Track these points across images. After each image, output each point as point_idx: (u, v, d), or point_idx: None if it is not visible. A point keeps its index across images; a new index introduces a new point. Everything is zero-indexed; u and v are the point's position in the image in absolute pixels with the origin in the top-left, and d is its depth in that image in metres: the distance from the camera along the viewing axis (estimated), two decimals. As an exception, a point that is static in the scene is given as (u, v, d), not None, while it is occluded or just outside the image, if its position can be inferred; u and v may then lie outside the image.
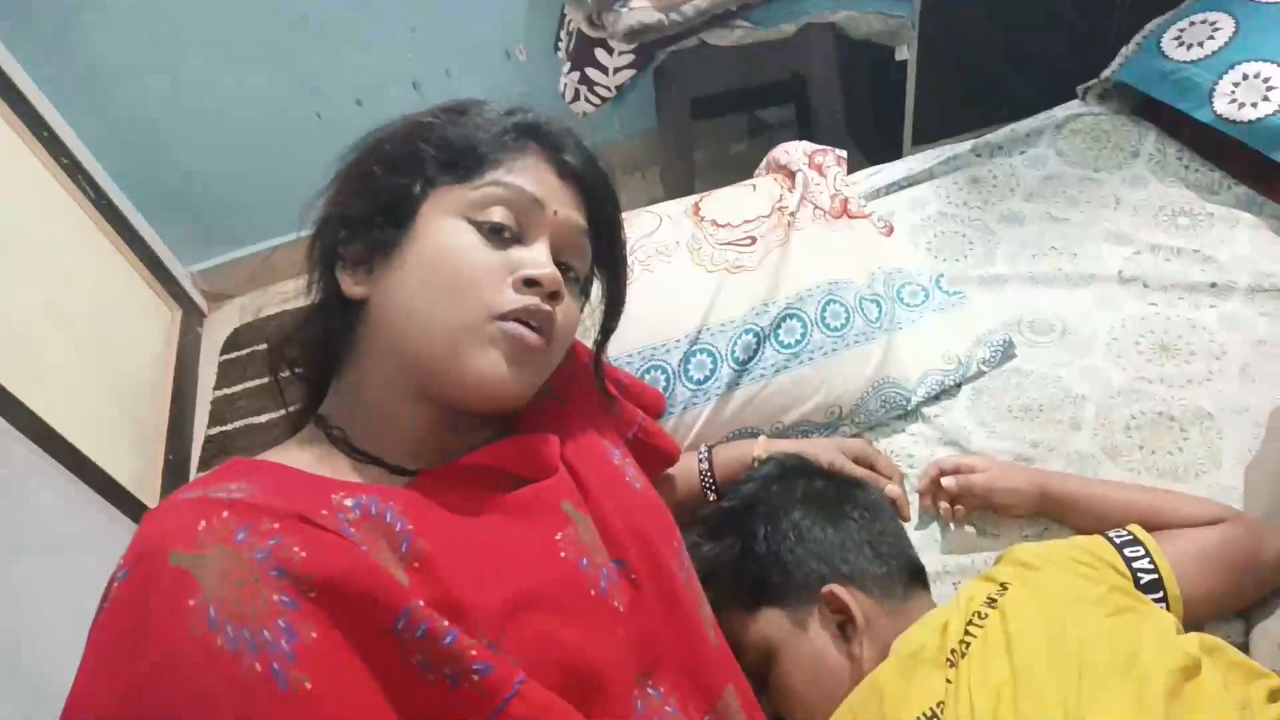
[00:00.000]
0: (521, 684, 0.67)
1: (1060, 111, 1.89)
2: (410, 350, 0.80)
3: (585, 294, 0.97)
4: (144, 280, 2.69)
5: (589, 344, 1.03)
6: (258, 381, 2.61)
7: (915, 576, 1.07)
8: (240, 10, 2.44)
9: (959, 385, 1.43)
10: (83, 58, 2.40)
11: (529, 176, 0.84)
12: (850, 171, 1.77)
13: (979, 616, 0.92)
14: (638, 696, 0.80)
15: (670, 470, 1.22)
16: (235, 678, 0.58)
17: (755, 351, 1.36)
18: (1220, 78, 1.64)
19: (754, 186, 1.61)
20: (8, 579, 1.59)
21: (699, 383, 1.34)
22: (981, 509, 1.23)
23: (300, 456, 0.80)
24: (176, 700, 0.58)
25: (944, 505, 1.22)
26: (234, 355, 2.76)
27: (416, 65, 2.69)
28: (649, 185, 2.98)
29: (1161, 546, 1.00)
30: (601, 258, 0.95)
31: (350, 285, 0.83)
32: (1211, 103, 1.63)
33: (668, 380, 1.34)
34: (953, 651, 0.89)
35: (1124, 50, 1.86)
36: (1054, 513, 1.19)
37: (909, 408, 1.41)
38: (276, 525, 0.64)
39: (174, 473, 2.37)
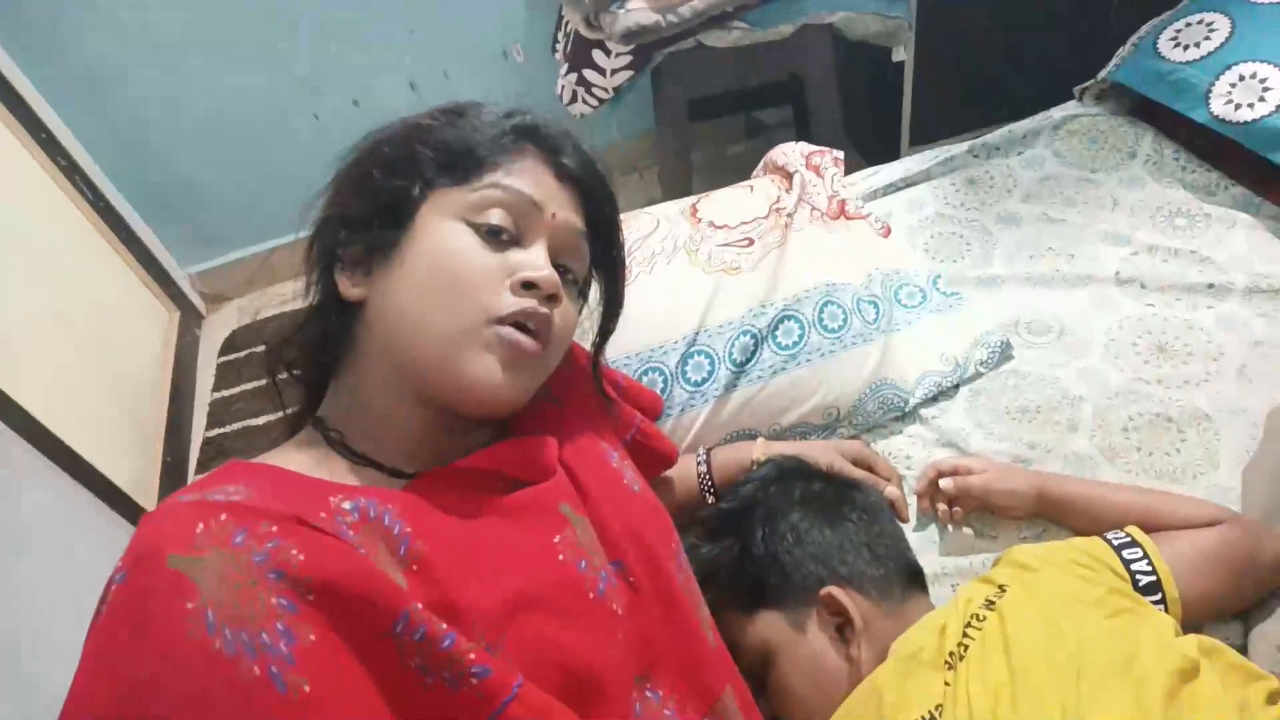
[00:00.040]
0: (520, 687, 0.67)
1: (1057, 112, 1.89)
2: (407, 353, 0.80)
3: (583, 296, 0.97)
4: (142, 281, 2.68)
5: (587, 346, 1.03)
6: (255, 383, 2.61)
7: (913, 578, 1.07)
8: (238, 11, 2.44)
9: (957, 386, 1.43)
10: (81, 59, 2.40)
11: (527, 179, 0.84)
12: (848, 172, 1.77)
13: (977, 619, 0.92)
14: (636, 699, 0.80)
15: (668, 473, 1.22)
16: (234, 681, 0.58)
17: (753, 353, 1.36)
18: (1217, 78, 1.64)
19: (751, 188, 1.61)
20: (5, 581, 1.59)
21: (696, 384, 1.34)
22: (979, 511, 1.23)
23: (298, 459, 0.80)
24: (175, 703, 0.58)
25: (942, 507, 1.22)
26: (232, 357, 2.76)
27: (414, 66, 2.69)
28: (647, 186, 2.98)
29: (1160, 548, 1.00)
30: (600, 260, 0.95)
31: (348, 287, 0.83)
32: (1208, 103, 1.63)
33: (665, 382, 1.34)
34: (951, 654, 0.89)
35: (1120, 51, 1.86)
36: (1052, 514, 1.19)
37: (907, 409, 1.41)
38: (274, 528, 0.63)
39: (171, 474, 2.36)
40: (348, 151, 0.87)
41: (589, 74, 2.10)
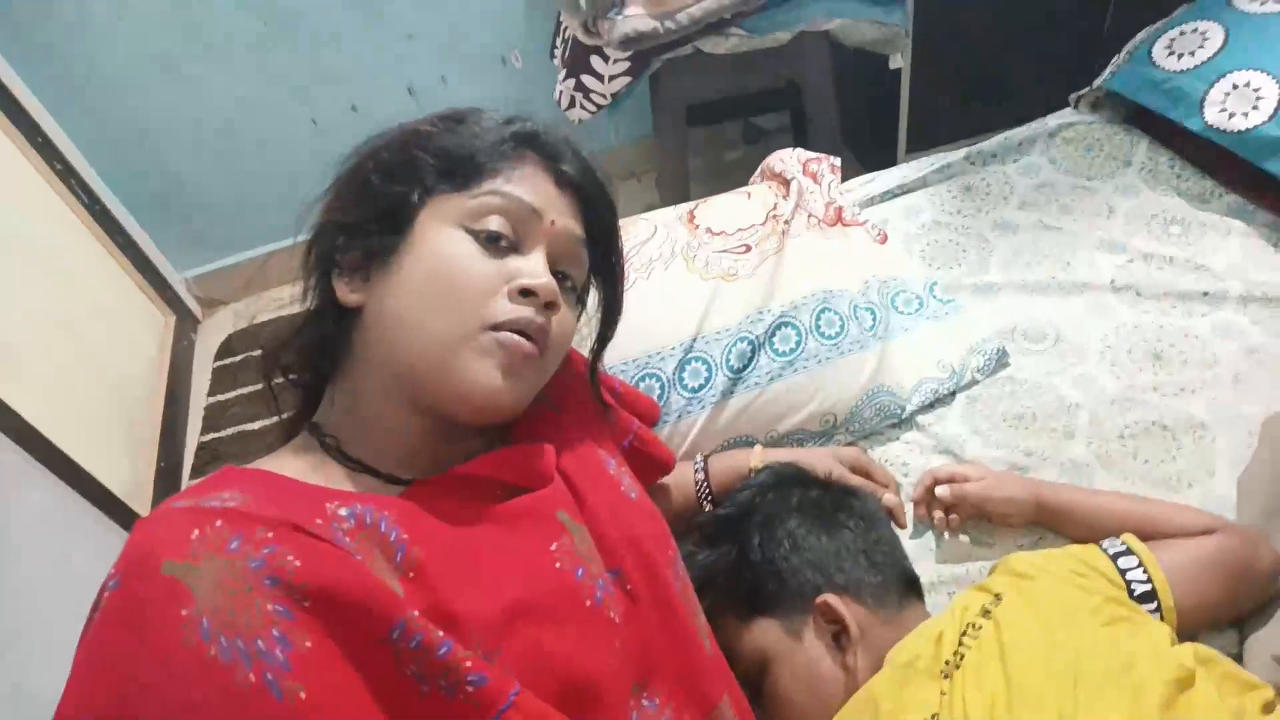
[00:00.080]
0: (517, 695, 0.67)
1: (1053, 120, 1.90)
2: (405, 359, 0.80)
3: (582, 303, 0.97)
4: (137, 286, 2.68)
5: (585, 352, 1.03)
6: (251, 388, 2.60)
7: (910, 586, 1.07)
8: (235, 15, 2.44)
9: (953, 393, 1.43)
10: (78, 63, 2.40)
11: (527, 186, 0.84)
12: (845, 179, 1.77)
13: (974, 627, 0.92)
14: (633, 707, 0.79)
15: (666, 479, 1.22)
16: (229, 688, 0.58)
17: (750, 359, 1.36)
18: (1211, 87, 1.64)
19: (749, 194, 1.61)
20: (-3, 586, 1.59)
21: (694, 390, 1.34)
22: (976, 518, 1.23)
23: (294, 465, 0.80)
24: (169, 711, 0.57)
25: (938, 514, 1.22)
26: (227, 361, 2.75)
27: (413, 71, 2.69)
28: (645, 191, 2.99)
29: (1156, 557, 1.01)
30: (598, 266, 0.95)
31: (347, 293, 0.83)
32: (1202, 112, 1.64)
33: (662, 388, 1.34)
34: (947, 662, 0.89)
35: (1115, 59, 1.87)
36: (1049, 522, 1.19)
37: (903, 416, 1.41)
38: (270, 534, 0.63)
39: (166, 479, 2.36)
40: (346, 157, 0.87)
41: (587, 80, 2.10)
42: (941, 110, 2.60)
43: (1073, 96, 1.94)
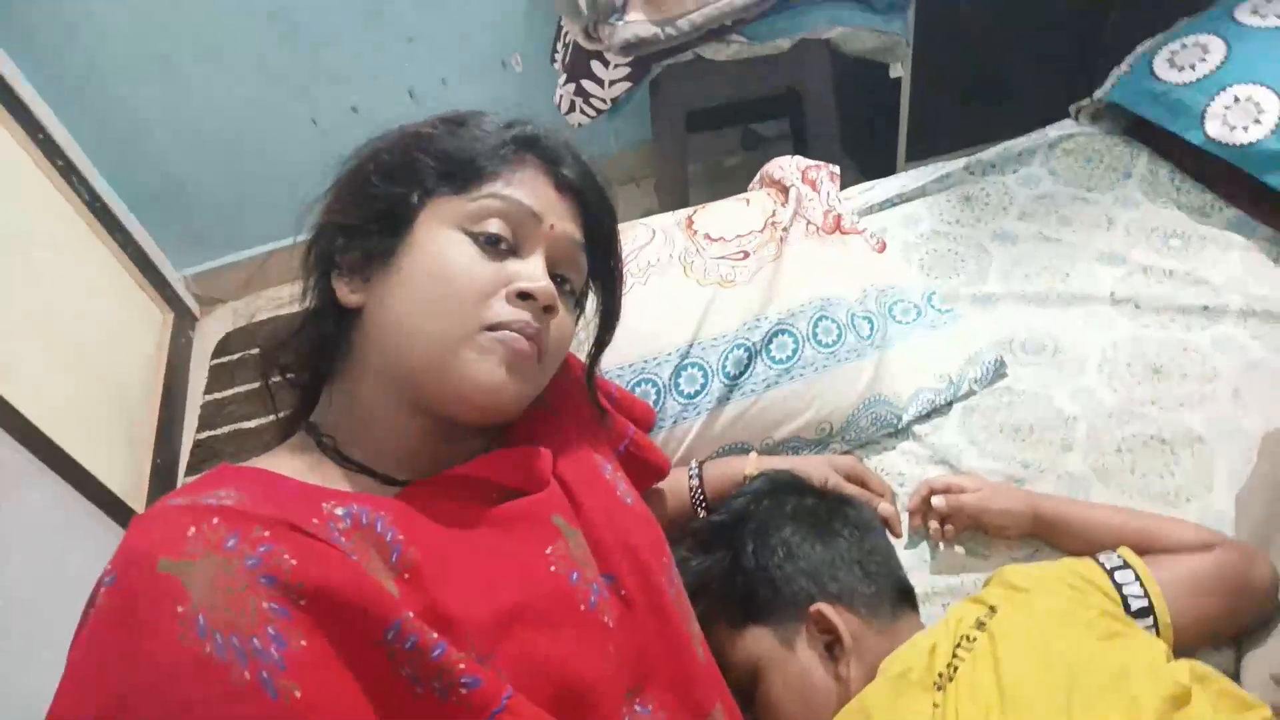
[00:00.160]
0: (510, 699, 0.67)
1: (1053, 131, 1.90)
2: (403, 360, 0.80)
3: (580, 307, 0.97)
4: (136, 283, 2.68)
5: (583, 357, 1.02)
6: (248, 386, 2.60)
7: (904, 597, 1.07)
8: (236, 14, 2.44)
9: (950, 404, 1.43)
10: (80, 61, 2.40)
11: (526, 189, 0.84)
12: (844, 187, 1.77)
13: (967, 639, 0.92)
14: (626, 713, 0.79)
15: (660, 485, 1.22)
16: (225, 686, 0.57)
17: (746, 366, 1.36)
18: (1212, 100, 1.65)
19: (747, 201, 1.61)
20: (-8, 582, 1.59)
21: (690, 397, 1.34)
22: (971, 529, 1.22)
23: (290, 464, 0.80)
24: (165, 709, 0.57)
25: (934, 525, 1.22)
26: (225, 360, 2.75)
27: (413, 74, 2.69)
28: (644, 196, 2.99)
29: (1152, 572, 1.00)
30: (597, 271, 0.95)
31: (346, 293, 0.83)
32: (1204, 125, 1.64)
33: (658, 394, 1.34)
34: (940, 674, 0.89)
35: (1116, 71, 1.87)
36: (1045, 535, 1.19)
37: (900, 425, 1.41)
38: (267, 533, 0.63)
39: (162, 476, 2.35)
40: (347, 158, 0.87)
41: (587, 84, 2.10)
42: (941, 119, 2.60)
43: (1073, 108, 1.94)
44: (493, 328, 0.79)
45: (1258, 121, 1.57)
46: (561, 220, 0.86)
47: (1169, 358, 1.42)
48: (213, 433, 2.52)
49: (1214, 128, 1.63)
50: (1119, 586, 0.99)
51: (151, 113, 2.55)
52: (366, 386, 0.83)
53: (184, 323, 2.86)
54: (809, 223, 1.56)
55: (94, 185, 2.53)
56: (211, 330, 2.90)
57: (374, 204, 0.83)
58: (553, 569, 0.80)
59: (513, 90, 2.76)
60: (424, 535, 0.74)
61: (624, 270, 0.99)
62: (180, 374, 2.73)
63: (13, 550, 1.65)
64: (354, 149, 0.87)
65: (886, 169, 2.46)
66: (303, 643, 0.61)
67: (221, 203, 2.79)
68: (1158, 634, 0.97)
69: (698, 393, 1.34)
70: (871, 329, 1.43)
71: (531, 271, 0.82)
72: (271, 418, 0.92)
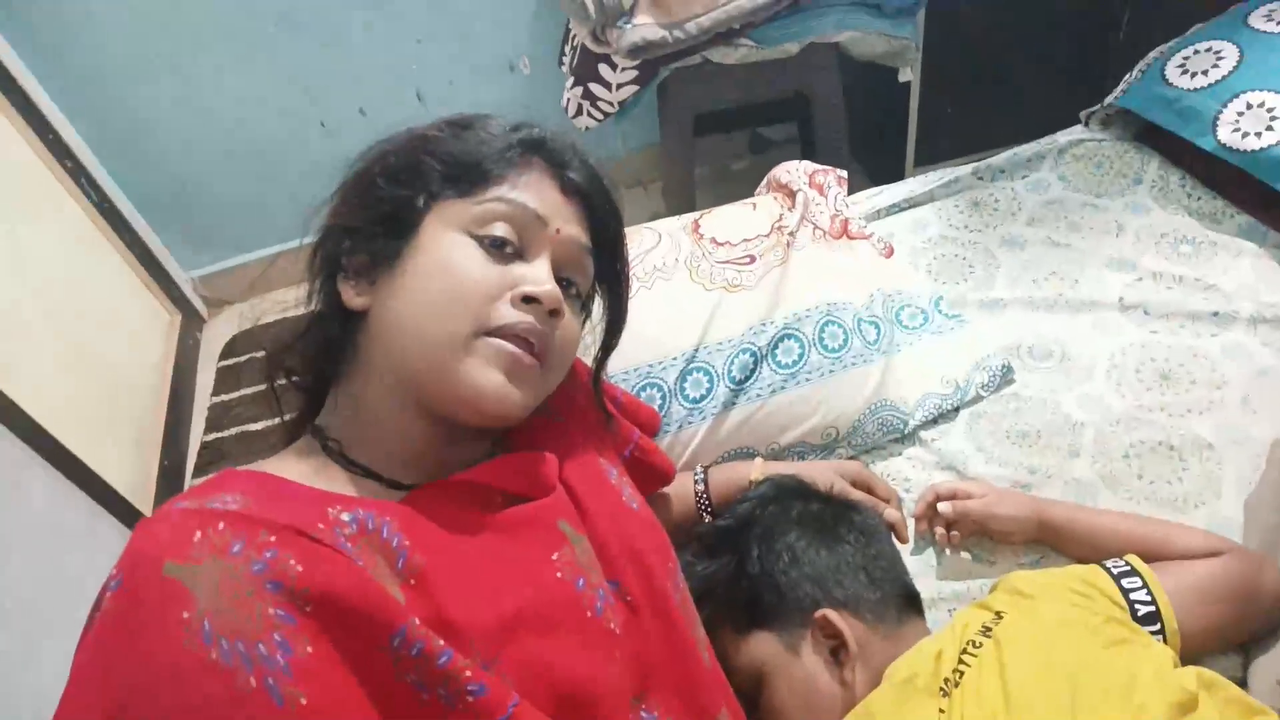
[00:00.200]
0: (516, 706, 0.66)
1: (1063, 136, 1.90)
2: (409, 363, 0.80)
3: (586, 311, 0.96)
4: (144, 284, 2.69)
5: (589, 361, 1.02)
6: (255, 389, 2.60)
7: (910, 602, 1.06)
8: (244, 17, 2.45)
9: (957, 409, 1.43)
10: (89, 61, 2.40)
11: (532, 193, 0.84)
12: (851, 192, 1.77)
13: (973, 645, 0.91)
14: (632, 719, 0.79)
15: (665, 490, 1.21)
16: (230, 692, 0.57)
17: (752, 371, 1.36)
18: (1224, 106, 1.64)
19: (754, 205, 1.61)
20: (-1, 584, 1.59)
21: (695, 401, 1.34)
22: (978, 535, 1.22)
23: (296, 468, 0.80)
24: (169, 714, 0.57)
25: (940, 530, 1.22)
26: (232, 361, 2.75)
27: (421, 76, 2.69)
28: (651, 199, 2.99)
29: (1159, 579, 1.00)
30: (603, 274, 0.95)
31: (352, 296, 0.83)
32: (1215, 131, 1.63)
33: (664, 398, 1.34)
34: (946, 680, 0.89)
35: (1128, 77, 1.87)
36: (1051, 541, 1.19)
37: (906, 431, 1.40)
38: (273, 538, 0.63)
39: (169, 478, 2.36)
40: (353, 161, 0.87)
41: (595, 87, 2.10)
42: (950, 124, 2.60)
43: (1083, 113, 1.94)
44: (497, 331, 0.79)
45: (1269, 128, 1.57)
46: (567, 224, 0.86)
47: (1178, 364, 1.42)
48: (220, 434, 2.52)
49: (1225, 134, 1.62)
50: (1126, 593, 0.99)
51: (160, 114, 2.56)
52: (372, 389, 0.83)
53: (191, 324, 2.87)
54: (816, 227, 1.56)
55: (102, 186, 2.54)
56: (219, 332, 2.91)
57: (380, 207, 0.82)
58: (559, 575, 0.80)
59: (520, 93, 2.77)
60: (430, 541, 0.74)
61: (630, 274, 0.99)
62: (188, 375, 2.73)
63: (14, 549, 1.65)
64: (361, 151, 0.87)
65: (895, 174, 2.45)
66: (308, 649, 0.60)
67: (229, 204, 2.80)
68: (1165, 641, 0.96)
69: (703, 397, 1.34)
70: (878, 334, 1.43)
71: (536, 275, 0.82)
72: (278, 420, 0.92)
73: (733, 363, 1.35)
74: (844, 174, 1.71)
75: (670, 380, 1.34)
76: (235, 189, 2.77)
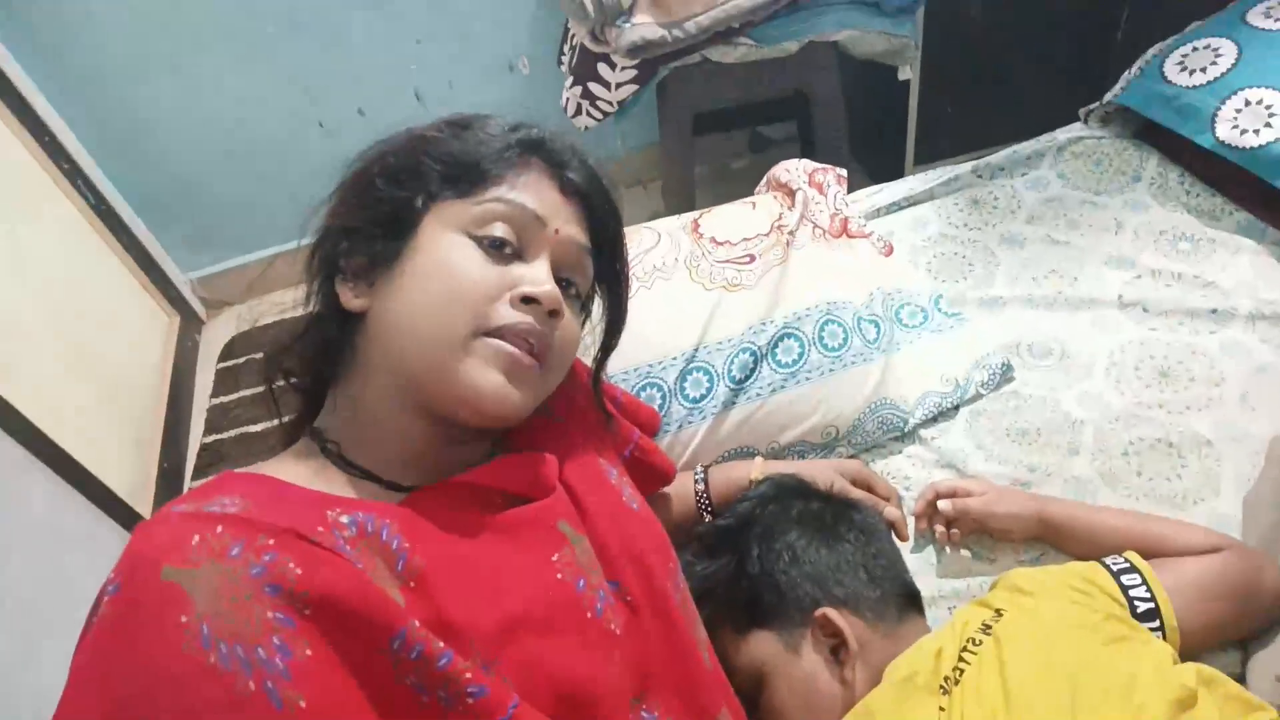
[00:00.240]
0: (516, 708, 0.66)
1: (1062, 134, 1.90)
2: (407, 363, 0.79)
3: (586, 311, 0.96)
4: (142, 286, 2.68)
5: (588, 361, 1.02)
6: (253, 390, 2.60)
7: (910, 600, 1.06)
8: (243, 17, 2.44)
9: (957, 407, 1.43)
10: (86, 62, 2.40)
11: (531, 193, 0.83)
12: (851, 190, 1.77)
13: (973, 643, 0.91)
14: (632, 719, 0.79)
15: (666, 490, 1.21)
16: (229, 696, 0.57)
17: (752, 370, 1.35)
18: (1223, 103, 1.64)
19: (754, 204, 1.60)
20: (-3, 585, 1.59)
21: (695, 401, 1.34)
22: (978, 533, 1.22)
23: (295, 470, 0.79)
24: (168, 718, 0.57)
25: (940, 528, 1.22)
26: (230, 363, 2.75)
27: (420, 76, 2.69)
28: (650, 199, 2.99)
29: (1159, 575, 1.00)
30: (603, 275, 0.95)
31: (350, 297, 0.83)
32: (1214, 128, 1.63)
33: (663, 398, 1.34)
34: (946, 678, 0.89)
35: (1126, 74, 1.86)
36: (1051, 538, 1.19)
37: (906, 429, 1.40)
38: (271, 541, 0.63)
39: (168, 480, 2.36)
40: (352, 161, 0.87)
41: (594, 87, 2.10)
42: (950, 122, 2.60)
43: (1082, 111, 1.94)
44: (496, 332, 0.79)
45: (1268, 125, 1.56)
46: (567, 224, 0.86)
47: (1177, 361, 1.42)
48: (219, 436, 2.52)
49: (1224, 131, 1.62)
50: (1125, 590, 0.99)
51: (158, 115, 2.55)
52: (370, 390, 0.83)
53: (190, 326, 2.87)
54: (815, 226, 1.56)
55: (99, 187, 2.54)
56: (217, 334, 2.90)
57: (378, 207, 0.82)
58: (559, 576, 0.80)
59: (519, 93, 2.76)
60: (429, 543, 0.74)
61: (630, 274, 0.99)
62: (186, 377, 2.73)
63: (13, 551, 1.65)
64: (360, 152, 0.87)
65: (894, 172, 2.45)
66: (308, 652, 0.60)
67: (227, 206, 2.80)
68: (1164, 638, 0.96)
69: (703, 397, 1.34)
70: (878, 333, 1.43)
71: (536, 275, 0.82)
72: (277, 422, 0.92)
73: (733, 362, 1.35)
74: (843, 173, 1.71)
75: (670, 380, 1.34)
76: (234, 190, 2.77)
